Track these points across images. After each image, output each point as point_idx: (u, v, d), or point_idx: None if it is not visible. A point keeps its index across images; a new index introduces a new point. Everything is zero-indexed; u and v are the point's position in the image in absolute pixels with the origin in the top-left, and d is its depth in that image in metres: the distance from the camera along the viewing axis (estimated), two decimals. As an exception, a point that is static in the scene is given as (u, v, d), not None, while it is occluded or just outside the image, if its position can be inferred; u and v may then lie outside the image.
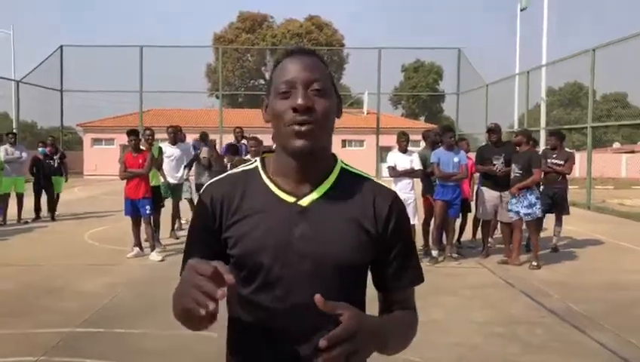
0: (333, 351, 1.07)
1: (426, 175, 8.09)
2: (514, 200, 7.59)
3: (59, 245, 9.20)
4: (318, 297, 1.08)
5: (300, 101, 1.24)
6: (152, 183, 8.47)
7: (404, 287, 1.40)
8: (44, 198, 11.95)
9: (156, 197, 8.56)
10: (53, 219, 11.89)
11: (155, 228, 8.58)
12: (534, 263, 7.59)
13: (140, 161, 7.92)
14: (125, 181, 8.01)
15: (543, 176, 8.89)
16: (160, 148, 9.10)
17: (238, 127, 10.35)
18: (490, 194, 8.14)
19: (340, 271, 1.29)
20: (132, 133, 8.04)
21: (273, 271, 1.28)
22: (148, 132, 8.92)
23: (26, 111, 25.43)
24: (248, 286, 1.31)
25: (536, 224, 7.67)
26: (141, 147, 8.18)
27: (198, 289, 1.04)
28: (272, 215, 1.30)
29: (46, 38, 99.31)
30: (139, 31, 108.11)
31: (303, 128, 1.24)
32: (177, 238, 9.47)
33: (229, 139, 10.18)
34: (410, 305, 1.43)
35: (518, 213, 7.57)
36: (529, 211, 7.45)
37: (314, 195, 1.31)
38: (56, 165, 12.14)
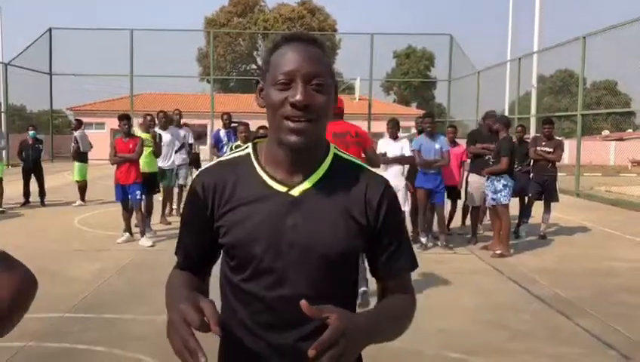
0: (322, 358, 1.05)
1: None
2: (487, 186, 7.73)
3: (48, 230, 9.17)
4: (303, 303, 1.08)
5: (298, 97, 1.21)
6: (149, 170, 8.51)
7: (398, 273, 1.41)
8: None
9: (151, 183, 8.57)
10: (42, 203, 11.82)
11: (148, 213, 8.58)
12: (497, 251, 7.56)
13: (131, 145, 7.90)
14: (116, 166, 8.00)
15: (532, 163, 8.96)
16: (160, 135, 9.01)
17: (225, 113, 10.22)
18: (479, 181, 8.18)
19: (330, 261, 1.29)
20: (124, 117, 8.00)
21: (264, 261, 1.28)
22: (149, 117, 8.97)
23: (15, 94, 25.14)
24: (239, 274, 1.32)
25: (503, 211, 7.54)
26: (136, 132, 8.17)
27: (184, 344, 1.08)
28: (264, 205, 1.29)
29: (35, 20, 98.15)
30: (129, 14, 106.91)
31: (300, 125, 1.23)
32: (168, 224, 9.46)
33: (220, 124, 10.02)
34: (407, 289, 1.44)
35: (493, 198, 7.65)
36: (494, 196, 7.55)
37: (306, 185, 1.31)
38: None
